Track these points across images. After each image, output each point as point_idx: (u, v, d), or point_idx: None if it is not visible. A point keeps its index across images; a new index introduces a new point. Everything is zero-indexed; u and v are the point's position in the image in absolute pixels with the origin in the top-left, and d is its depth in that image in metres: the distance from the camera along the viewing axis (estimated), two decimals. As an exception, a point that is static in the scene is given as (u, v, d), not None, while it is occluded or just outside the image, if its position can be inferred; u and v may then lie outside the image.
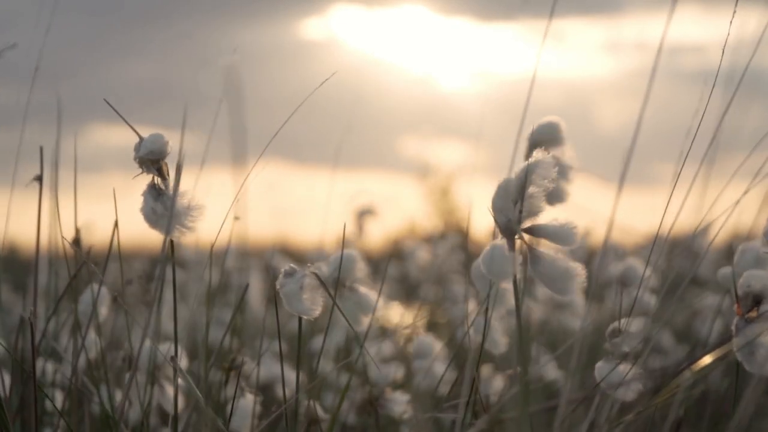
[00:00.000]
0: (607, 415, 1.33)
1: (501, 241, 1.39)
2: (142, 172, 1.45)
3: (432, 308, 4.13)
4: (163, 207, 1.42)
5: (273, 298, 1.56)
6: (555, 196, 1.83)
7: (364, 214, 4.23)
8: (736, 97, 1.37)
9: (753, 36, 1.38)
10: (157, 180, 1.45)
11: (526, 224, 1.40)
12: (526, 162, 1.39)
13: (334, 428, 1.79)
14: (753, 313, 1.28)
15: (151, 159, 1.44)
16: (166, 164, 1.45)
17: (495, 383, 2.07)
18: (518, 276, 1.40)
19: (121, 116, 1.42)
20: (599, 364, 1.42)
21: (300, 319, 1.57)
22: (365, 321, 1.77)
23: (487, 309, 1.71)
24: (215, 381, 2.27)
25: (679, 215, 1.39)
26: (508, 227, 1.40)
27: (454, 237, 5.82)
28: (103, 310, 2.00)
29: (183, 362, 2.07)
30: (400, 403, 2.08)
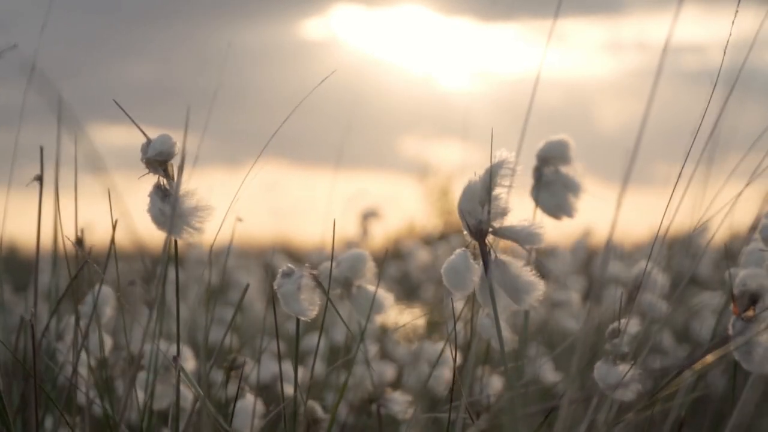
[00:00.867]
0: (606, 415, 1.33)
1: (468, 248, 1.39)
2: (147, 173, 1.45)
3: (432, 308, 4.13)
4: (171, 208, 1.42)
5: (272, 298, 1.57)
6: (563, 210, 1.84)
7: (367, 215, 4.24)
8: (737, 96, 1.37)
9: (752, 35, 1.39)
10: (164, 181, 1.45)
11: (494, 225, 1.40)
12: (489, 163, 1.39)
13: (333, 428, 1.79)
14: (750, 313, 1.28)
15: (159, 160, 1.44)
16: (171, 165, 1.46)
17: (494, 383, 2.07)
18: (491, 281, 1.39)
19: (129, 117, 1.42)
20: (598, 365, 1.42)
21: (298, 319, 1.57)
22: (375, 320, 1.78)
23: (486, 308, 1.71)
24: (216, 381, 2.27)
25: (678, 215, 1.39)
26: (477, 229, 1.40)
27: (454, 237, 5.82)
28: (108, 311, 2.00)
29: (187, 362, 2.07)
30: (400, 403, 2.08)
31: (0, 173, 2.04)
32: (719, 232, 1.46)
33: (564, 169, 1.86)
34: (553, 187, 1.85)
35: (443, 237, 6.07)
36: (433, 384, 2.60)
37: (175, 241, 1.49)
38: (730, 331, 1.29)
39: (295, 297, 1.53)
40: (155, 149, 1.43)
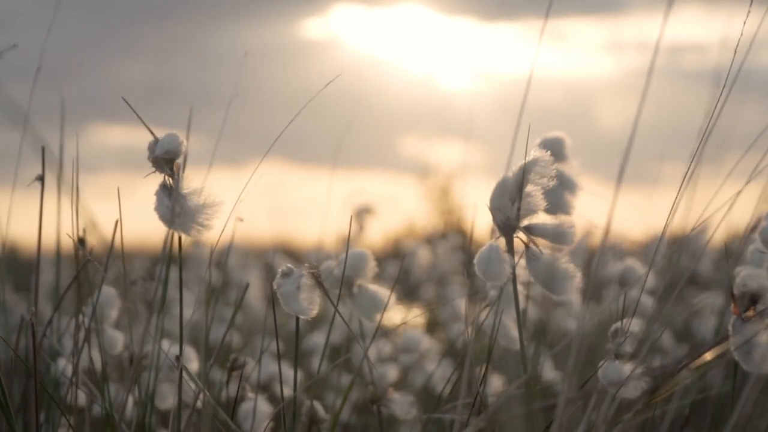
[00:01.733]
0: (605, 415, 1.33)
1: (498, 241, 1.40)
2: (154, 171, 1.45)
3: (432, 308, 4.14)
4: (179, 206, 1.42)
5: (272, 298, 1.57)
6: (560, 208, 1.84)
7: (363, 213, 4.24)
8: (739, 96, 1.37)
9: (753, 35, 1.39)
10: (170, 179, 1.45)
11: (524, 223, 1.41)
12: (524, 160, 1.40)
13: (335, 428, 1.79)
14: (750, 313, 1.28)
15: (166, 158, 1.44)
16: (177, 164, 1.46)
17: (494, 383, 2.07)
18: (515, 276, 1.40)
19: (138, 116, 1.42)
20: (601, 364, 1.42)
21: (297, 318, 1.58)
22: (377, 319, 1.78)
23: (494, 307, 1.71)
24: (217, 380, 2.27)
25: (677, 215, 1.39)
26: (506, 226, 1.40)
27: (454, 237, 5.83)
28: (112, 312, 2.00)
29: (190, 362, 2.08)
30: (402, 404, 2.08)
31: (1, 173, 2.04)
32: (718, 231, 1.46)
33: (560, 167, 1.86)
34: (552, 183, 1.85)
35: (443, 236, 6.07)
36: (433, 384, 2.60)
37: (180, 240, 1.49)
38: (730, 331, 1.29)
39: (295, 297, 1.53)
40: (163, 148, 1.43)
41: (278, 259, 3.88)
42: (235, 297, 4.08)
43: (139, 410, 1.90)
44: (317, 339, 3.23)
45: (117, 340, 1.97)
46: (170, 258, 1.84)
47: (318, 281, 1.54)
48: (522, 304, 2.11)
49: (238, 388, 1.85)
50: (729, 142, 1.37)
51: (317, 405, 1.82)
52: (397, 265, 5.11)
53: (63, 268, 2.18)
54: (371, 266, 1.79)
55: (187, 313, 2.91)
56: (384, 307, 1.78)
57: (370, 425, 2.40)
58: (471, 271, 1.42)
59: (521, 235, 1.41)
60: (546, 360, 2.51)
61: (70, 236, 1.85)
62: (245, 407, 1.97)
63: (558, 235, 1.42)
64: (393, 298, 1.82)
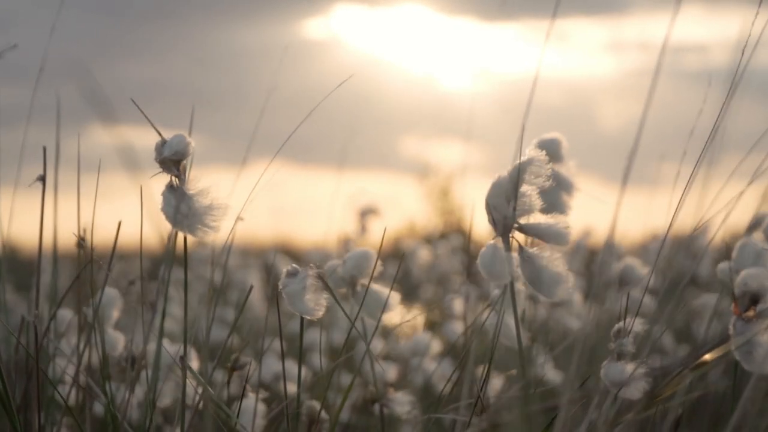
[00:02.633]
0: (606, 415, 1.33)
1: (497, 240, 1.40)
2: (161, 172, 1.45)
3: (432, 308, 4.14)
4: (186, 207, 1.42)
5: (274, 298, 1.57)
6: (556, 208, 1.84)
7: (366, 214, 4.24)
8: (741, 97, 1.37)
9: (756, 35, 1.39)
10: (176, 180, 1.45)
11: (520, 222, 1.41)
12: (519, 160, 1.40)
13: (336, 428, 1.80)
14: (750, 312, 1.28)
15: (174, 159, 1.44)
16: (184, 165, 1.46)
17: (494, 383, 2.07)
18: (515, 276, 1.41)
19: (145, 116, 1.42)
20: (604, 364, 1.42)
21: (302, 318, 1.58)
22: (380, 318, 1.78)
23: (496, 307, 1.72)
24: (219, 380, 2.27)
25: (678, 215, 1.39)
26: (503, 225, 1.40)
27: (455, 237, 5.83)
28: (114, 312, 2.00)
29: (192, 362, 2.08)
30: (402, 403, 2.08)
31: (1, 173, 2.04)
32: (719, 232, 1.46)
33: (557, 168, 1.86)
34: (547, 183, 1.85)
35: (443, 236, 6.07)
36: (434, 384, 2.60)
37: (185, 241, 1.49)
38: (731, 331, 1.29)
39: (300, 297, 1.53)
40: (172, 148, 1.43)
41: (279, 259, 3.88)
42: (235, 297, 4.08)
43: (144, 409, 1.90)
44: (318, 338, 3.23)
45: (118, 340, 1.97)
46: (173, 258, 1.84)
47: (324, 281, 1.55)
48: (523, 304, 2.12)
49: (243, 388, 1.85)
50: (730, 143, 1.38)
51: (317, 405, 1.82)
52: (397, 264, 5.11)
53: (63, 268, 2.18)
54: (375, 266, 1.79)
55: (188, 313, 2.92)
56: (388, 307, 1.79)
57: (370, 425, 2.40)
58: (471, 270, 1.42)
59: (517, 234, 1.41)
60: (547, 360, 2.51)
61: (74, 234, 1.85)
62: (245, 406, 1.97)
63: (553, 235, 1.42)
64: (397, 298, 1.83)
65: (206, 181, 1.45)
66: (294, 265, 1.56)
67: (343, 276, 1.75)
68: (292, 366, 2.59)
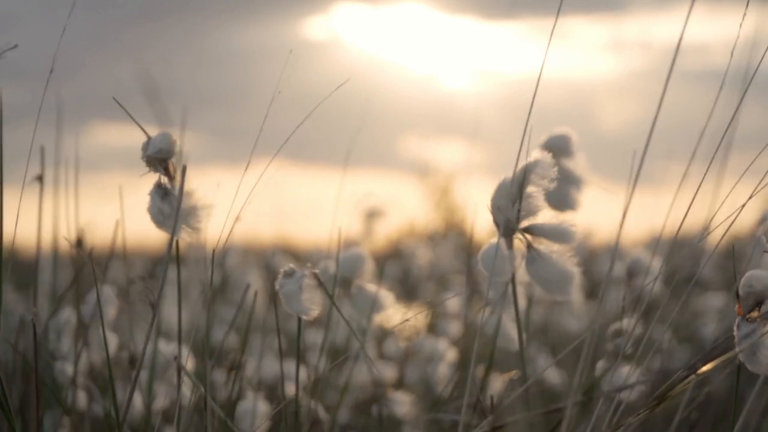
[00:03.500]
0: (609, 418, 1.32)
1: (500, 240, 1.40)
2: (148, 171, 1.44)
3: (432, 308, 4.13)
4: (170, 207, 1.41)
5: (273, 298, 1.56)
6: (566, 204, 1.83)
7: (371, 215, 4.23)
8: (750, 96, 1.36)
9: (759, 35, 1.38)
10: (164, 179, 1.44)
11: (525, 223, 1.40)
12: (525, 161, 1.39)
13: (335, 428, 1.79)
14: (755, 314, 1.27)
15: (159, 158, 1.43)
16: (172, 163, 1.45)
17: (496, 384, 2.06)
18: (516, 275, 1.40)
19: (129, 114, 1.41)
20: (606, 366, 1.42)
21: (299, 319, 1.57)
22: (374, 319, 1.78)
23: (495, 307, 1.71)
24: (218, 380, 2.26)
25: (683, 215, 1.38)
26: (506, 226, 1.40)
27: (455, 236, 5.82)
28: (111, 311, 2.00)
29: (188, 362, 2.07)
30: (402, 404, 2.08)
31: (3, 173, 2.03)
32: (723, 233, 1.45)
33: (566, 163, 1.85)
34: (555, 181, 1.85)
35: (444, 236, 6.06)
36: (434, 383, 2.59)
37: (177, 241, 1.48)
38: (735, 333, 1.28)
39: (297, 297, 1.53)
40: (155, 147, 1.42)
41: (278, 259, 3.87)
42: (235, 297, 4.07)
43: (143, 410, 1.89)
44: (316, 338, 3.22)
45: (111, 341, 1.97)
46: (170, 258, 1.84)
47: (320, 282, 1.54)
48: (523, 304, 2.11)
49: (240, 387, 1.84)
50: (740, 143, 1.37)
51: (318, 405, 1.82)
52: (397, 264, 5.11)
53: (62, 269, 2.17)
54: (368, 266, 1.78)
55: (186, 313, 2.91)
56: (382, 308, 1.78)
57: (370, 425, 2.39)
58: (472, 270, 1.42)
59: (522, 235, 1.41)
60: (550, 362, 2.50)
61: (71, 234, 1.84)
62: (244, 407, 1.96)
63: (559, 235, 1.41)
64: (392, 298, 1.82)
65: (195, 180, 1.44)
66: (291, 265, 1.56)
67: (338, 276, 1.75)
68: (291, 366, 2.58)
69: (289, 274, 1.55)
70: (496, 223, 1.40)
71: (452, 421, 1.87)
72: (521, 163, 1.41)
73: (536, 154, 1.41)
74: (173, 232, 1.41)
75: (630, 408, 1.35)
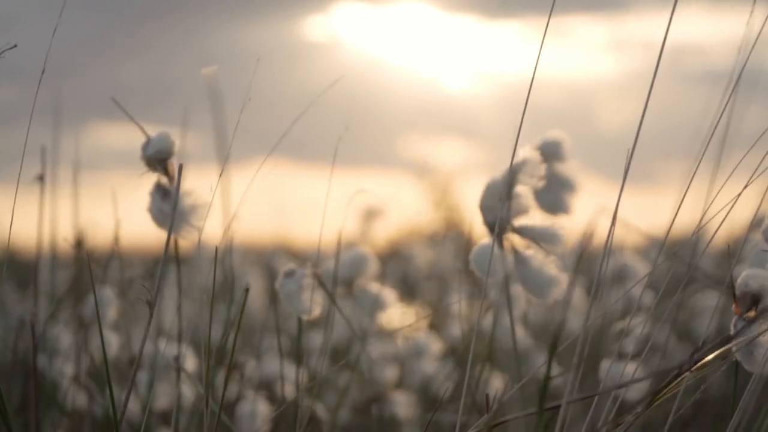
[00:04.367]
0: (606, 416, 1.33)
1: (490, 239, 1.40)
2: (148, 171, 1.44)
3: (432, 308, 4.13)
4: (169, 206, 1.42)
5: (273, 297, 1.57)
6: (558, 208, 1.84)
7: (369, 215, 4.23)
8: (746, 96, 1.37)
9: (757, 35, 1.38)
10: (163, 179, 1.44)
11: (514, 223, 1.40)
12: (512, 161, 1.39)
13: (335, 428, 1.79)
14: (751, 313, 1.28)
15: (159, 158, 1.43)
16: (172, 163, 1.45)
17: (494, 383, 2.07)
18: (507, 277, 1.40)
19: (128, 114, 1.41)
20: (603, 364, 1.42)
21: (300, 318, 1.58)
22: (377, 319, 1.78)
23: (494, 307, 1.71)
24: (218, 380, 2.27)
25: (679, 214, 1.39)
26: (495, 227, 1.40)
27: (455, 236, 5.82)
28: (111, 311, 2.00)
29: (188, 362, 2.07)
30: (402, 404, 2.08)
31: (1, 173, 2.04)
32: (720, 231, 1.45)
33: (559, 167, 1.85)
34: (548, 185, 1.85)
35: (444, 236, 6.06)
36: (433, 383, 2.59)
37: (176, 240, 1.48)
38: (732, 332, 1.28)
39: (298, 296, 1.53)
40: (154, 147, 1.43)
41: (279, 259, 3.87)
42: (235, 297, 4.06)
43: (142, 410, 1.89)
44: (317, 339, 3.22)
45: (111, 341, 1.97)
46: (168, 258, 1.84)
47: (320, 281, 1.55)
48: (522, 304, 2.11)
49: (239, 387, 1.85)
50: (737, 142, 1.37)
51: (317, 405, 1.82)
52: (397, 264, 5.11)
53: (62, 269, 2.17)
54: (371, 266, 1.79)
55: (186, 313, 2.91)
56: (385, 307, 1.79)
57: (370, 426, 2.39)
58: (470, 270, 1.42)
59: (511, 236, 1.41)
60: (545, 360, 2.50)
61: (65, 239, 1.84)
62: (244, 407, 1.96)
63: (547, 237, 1.41)
64: (393, 298, 1.82)
65: (193, 180, 1.44)
66: (291, 264, 1.56)
67: (340, 276, 1.75)
68: (291, 366, 2.58)
69: (290, 274, 1.56)
70: (485, 223, 1.40)
71: (451, 422, 1.88)
72: (509, 163, 1.41)
73: (524, 153, 1.41)
74: (172, 230, 1.42)
75: (627, 406, 1.35)
